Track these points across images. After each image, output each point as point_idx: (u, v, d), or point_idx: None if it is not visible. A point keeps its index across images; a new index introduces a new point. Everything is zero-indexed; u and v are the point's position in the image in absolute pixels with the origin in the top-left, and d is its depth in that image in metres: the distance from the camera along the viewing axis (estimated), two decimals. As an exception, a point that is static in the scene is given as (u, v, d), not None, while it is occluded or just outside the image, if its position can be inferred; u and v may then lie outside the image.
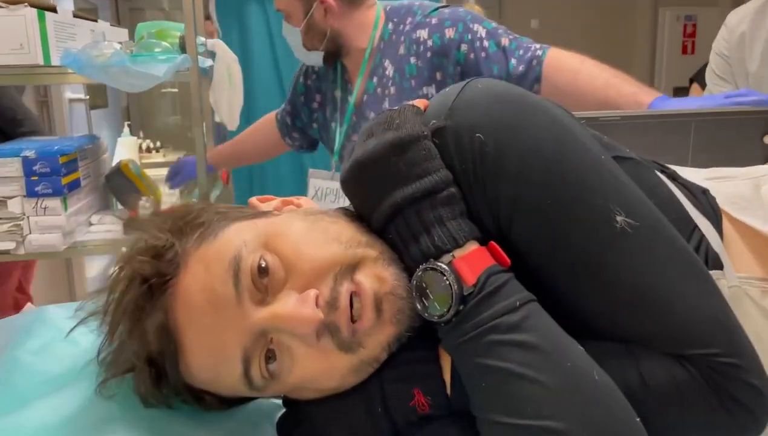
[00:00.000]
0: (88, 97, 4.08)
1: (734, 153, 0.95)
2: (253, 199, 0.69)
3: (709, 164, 0.90)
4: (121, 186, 1.91)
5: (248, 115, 2.49)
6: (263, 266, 0.54)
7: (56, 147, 1.57)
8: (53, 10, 1.61)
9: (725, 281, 0.65)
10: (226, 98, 1.96)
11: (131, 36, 2.02)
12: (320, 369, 0.55)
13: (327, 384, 0.57)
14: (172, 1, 5.49)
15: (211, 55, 1.95)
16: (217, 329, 0.54)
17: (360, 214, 0.61)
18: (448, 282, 0.52)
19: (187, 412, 0.62)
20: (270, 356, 0.55)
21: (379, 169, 0.56)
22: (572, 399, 0.48)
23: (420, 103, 0.61)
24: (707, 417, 0.53)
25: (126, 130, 3.77)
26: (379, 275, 0.56)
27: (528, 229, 0.55)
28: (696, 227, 0.68)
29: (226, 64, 1.93)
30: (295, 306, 0.53)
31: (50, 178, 1.55)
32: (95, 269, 3.42)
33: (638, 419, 0.50)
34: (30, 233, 1.58)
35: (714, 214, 0.72)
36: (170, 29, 1.80)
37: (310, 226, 0.59)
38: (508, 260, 0.55)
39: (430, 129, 0.57)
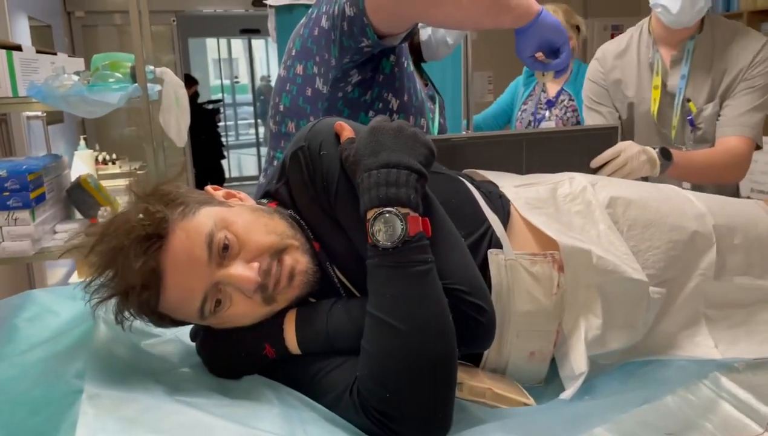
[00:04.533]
0: (44, 114, 4.25)
1: (562, 166, 1.25)
2: (209, 187, 0.97)
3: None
4: (81, 199, 2.17)
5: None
6: (227, 243, 0.82)
7: (24, 166, 1.82)
8: (18, 48, 1.86)
9: (503, 256, 0.97)
10: (175, 119, 2.23)
11: (87, 63, 2.27)
12: (246, 311, 0.85)
13: (243, 321, 0.86)
14: (124, 16, 5.67)
15: (160, 81, 2.21)
16: (191, 277, 0.81)
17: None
18: (403, 226, 0.79)
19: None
20: (218, 301, 0.83)
21: (412, 140, 0.85)
22: (426, 320, 0.79)
23: None
24: (461, 331, 0.83)
25: (82, 143, 3.93)
26: (297, 259, 0.87)
27: None
28: (486, 219, 1.00)
29: (174, 89, 2.20)
30: (244, 271, 0.82)
31: (20, 194, 1.81)
32: (56, 276, 3.63)
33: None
34: (3, 241, 1.83)
35: (503, 211, 1.04)
36: (122, 60, 2.06)
37: (256, 219, 0.87)
38: (430, 233, 0.83)
39: None
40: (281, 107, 1.32)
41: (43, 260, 1.88)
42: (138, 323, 0.91)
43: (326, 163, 0.88)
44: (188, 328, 0.96)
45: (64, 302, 1.02)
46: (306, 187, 0.90)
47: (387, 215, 0.79)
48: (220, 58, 10.16)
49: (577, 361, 0.99)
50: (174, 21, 5.90)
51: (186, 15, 6.26)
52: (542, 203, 1.10)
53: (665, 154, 1.41)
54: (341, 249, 0.92)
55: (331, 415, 0.81)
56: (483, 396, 0.93)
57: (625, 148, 1.36)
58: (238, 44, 10.27)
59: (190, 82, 6.63)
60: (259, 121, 9.72)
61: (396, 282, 0.79)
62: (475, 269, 0.88)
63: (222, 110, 8.84)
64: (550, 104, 2.60)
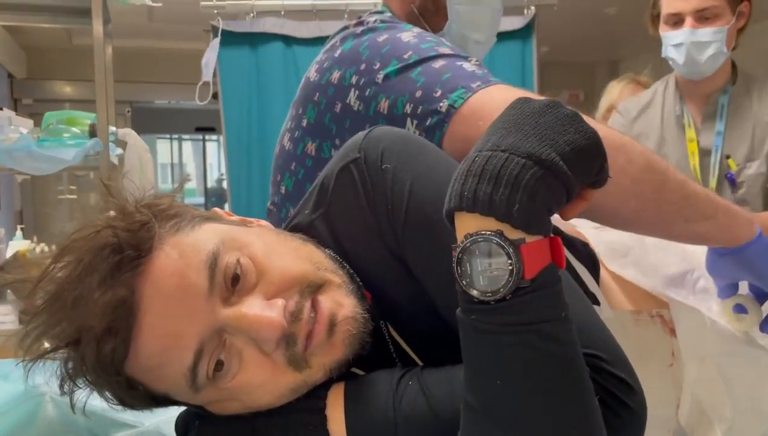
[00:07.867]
0: (-21, 197, 3.90)
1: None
2: (218, 209, 0.68)
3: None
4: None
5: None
6: (238, 268, 0.56)
7: (-50, 230, 1.51)
8: (-42, 93, 1.59)
9: (601, 314, 0.73)
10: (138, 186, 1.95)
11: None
12: (265, 380, 0.56)
13: (262, 399, 0.57)
14: (73, 105, 5.44)
15: (123, 144, 1.96)
16: (181, 316, 0.53)
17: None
18: (511, 268, 0.46)
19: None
20: (219, 362, 0.55)
21: (561, 123, 0.49)
22: (562, 423, 0.47)
23: None
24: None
25: (19, 233, 3.60)
26: (338, 301, 0.59)
27: None
28: (576, 272, 0.76)
29: (138, 152, 1.94)
30: (262, 310, 0.55)
31: (-59, 262, 1.48)
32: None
33: None
34: None
35: (592, 263, 0.82)
36: (80, 117, 1.81)
37: (283, 241, 0.62)
38: (564, 263, 0.50)
39: None
40: (282, 189, 1.02)
41: (-38, 348, 1.50)
42: (99, 406, 0.62)
43: (390, 180, 0.62)
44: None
45: (-9, 382, 0.71)
46: (362, 214, 0.63)
47: (481, 242, 0.47)
48: (172, 162, 9.96)
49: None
50: (129, 111, 5.70)
51: (140, 107, 6.09)
52: (628, 249, 0.89)
53: None
54: (403, 301, 0.65)
55: None
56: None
57: None
58: (188, 148, 10.11)
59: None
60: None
61: (502, 359, 0.48)
62: (607, 329, 0.61)
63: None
64: None
